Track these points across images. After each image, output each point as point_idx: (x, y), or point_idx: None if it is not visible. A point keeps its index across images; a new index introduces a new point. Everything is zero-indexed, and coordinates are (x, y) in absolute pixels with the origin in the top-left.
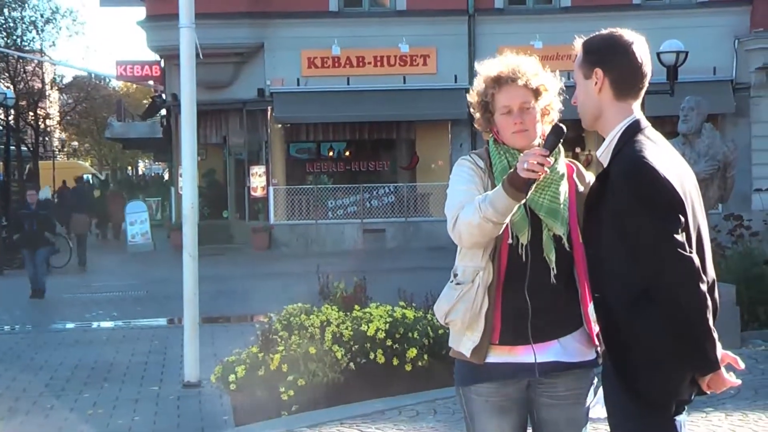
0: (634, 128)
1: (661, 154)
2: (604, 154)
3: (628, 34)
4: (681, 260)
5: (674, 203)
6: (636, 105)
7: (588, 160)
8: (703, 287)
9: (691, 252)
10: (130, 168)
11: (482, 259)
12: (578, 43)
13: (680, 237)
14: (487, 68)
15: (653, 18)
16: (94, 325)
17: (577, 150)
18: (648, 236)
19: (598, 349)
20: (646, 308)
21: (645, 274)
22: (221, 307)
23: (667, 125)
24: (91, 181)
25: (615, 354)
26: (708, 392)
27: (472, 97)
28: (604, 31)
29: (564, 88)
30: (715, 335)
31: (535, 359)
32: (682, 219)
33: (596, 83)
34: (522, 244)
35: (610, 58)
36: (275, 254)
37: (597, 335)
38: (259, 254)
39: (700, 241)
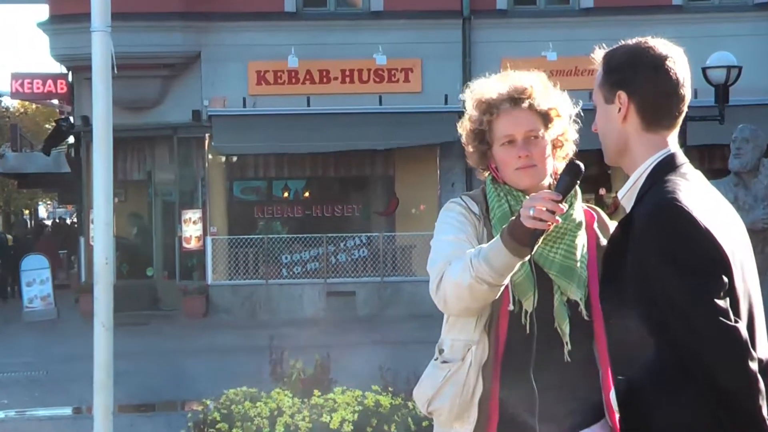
0: (667, 165)
1: (701, 196)
2: (627, 196)
3: (661, 45)
4: (722, 332)
5: (714, 258)
6: (672, 137)
7: (615, 204)
8: (753, 366)
9: (737, 321)
10: (27, 212)
11: (475, 331)
12: (599, 55)
13: (722, 302)
14: (482, 87)
15: (698, 23)
16: None
17: (602, 192)
18: (680, 300)
19: None
20: (681, 393)
21: (678, 350)
22: (143, 391)
23: (715, 160)
24: None
25: None
26: None
27: (463, 127)
28: (630, 42)
29: (582, 114)
30: None
31: None
32: (725, 279)
33: (620, 109)
34: (526, 312)
35: (635, 78)
36: (214, 323)
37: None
38: (192, 323)
39: (751, 312)
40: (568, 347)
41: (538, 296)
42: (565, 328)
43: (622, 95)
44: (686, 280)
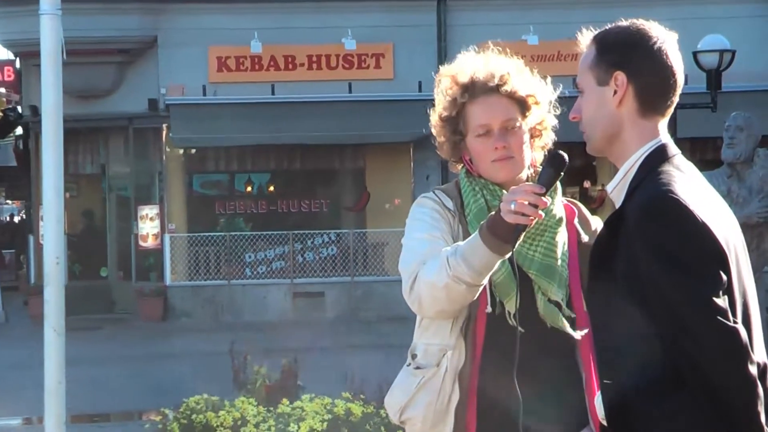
0: (660, 156)
1: (696, 189)
2: (617, 189)
3: (656, 28)
4: (721, 333)
5: (712, 254)
6: (663, 125)
7: (601, 198)
8: (753, 369)
9: (735, 322)
10: None
11: (451, 335)
12: (586, 38)
13: (721, 301)
14: (455, 68)
15: (688, 5)
16: None
17: (586, 184)
18: (675, 300)
19: None
20: (674, 399)
21: (672, 353)
22: (97, 400)
23: (707, 151)
24: None
25: None
26: None
27: (434, 115)
28: (624, 23)
29: (564, 99)
30: None
31: None
32: (724, 277)
33: (616, 92)
34: (509, 313)
35: (636, 59)
36: (172, 327)
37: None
38: (150, 327)
39: (747, 312)
40: (577, 336)
41: (519, 297)
42: (561, 324)
43: (620, 76)
44: (682, 277)
